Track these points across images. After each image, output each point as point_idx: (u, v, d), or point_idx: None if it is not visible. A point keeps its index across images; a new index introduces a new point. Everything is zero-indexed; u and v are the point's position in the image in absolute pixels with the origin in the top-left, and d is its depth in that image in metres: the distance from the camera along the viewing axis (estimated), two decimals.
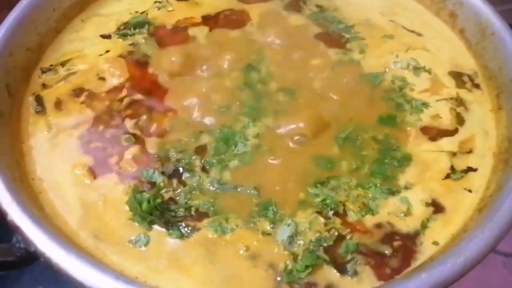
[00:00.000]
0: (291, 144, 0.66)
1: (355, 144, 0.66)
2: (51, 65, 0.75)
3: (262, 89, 0.72)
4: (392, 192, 0.62)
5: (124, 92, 0.71)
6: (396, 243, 0.59)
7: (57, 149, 0.66)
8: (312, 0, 0.85)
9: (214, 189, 0.62)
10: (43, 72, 0.74)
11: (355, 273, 0.56)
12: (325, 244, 0.58)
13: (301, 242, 0.58)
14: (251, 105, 0.70)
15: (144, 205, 0.59)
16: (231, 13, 0.83)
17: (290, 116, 0.68)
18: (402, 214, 0.61)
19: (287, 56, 0.76)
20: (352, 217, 0.60)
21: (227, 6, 0.84)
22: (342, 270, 0.56)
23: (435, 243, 0.59)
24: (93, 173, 0.63)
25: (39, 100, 0.71)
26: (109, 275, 0.50)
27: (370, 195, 0.62)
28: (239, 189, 0.62)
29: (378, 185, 0.63)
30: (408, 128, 0.69)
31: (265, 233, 0.59)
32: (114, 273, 0.50)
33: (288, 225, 0.59)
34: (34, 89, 0.72)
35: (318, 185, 0.62)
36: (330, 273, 0.56)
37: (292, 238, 0.58)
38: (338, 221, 0.60)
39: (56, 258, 0.51)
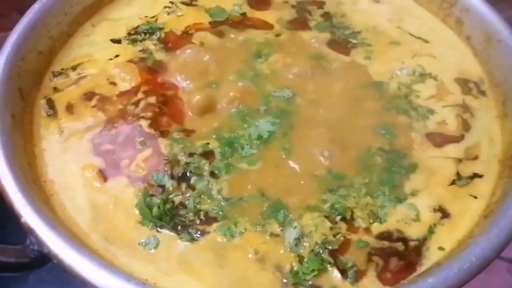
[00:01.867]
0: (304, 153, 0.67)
1: (365, 156, 0.67)
2: (62, 69, 0.76)
3: (268, 91, 0.73)
4: (400, 200, 0.63)
5: (139, 95, 0.72)
6: (402, 248, 0.59)
7: (68, 151, 0.67)
8: (318, 11, 0.86)
9: (222, 203, 0.62)
10: (55, 76, 0.75)
11: (359, 277, 0.57)
12: (330, 247, 0.58)
13: (307, 244, 0.59)
14: (258, 108, 0.71)
15: (155, 210, 0.60)
16: (239, 19, 0.84)
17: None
18: (411, 221, 0.61)
19: (294, 63, 0.77)
20: (359, 223, 0.61)
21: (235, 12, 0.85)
22: (346, 274, 0.57)
23: (441, 248, 0.59)
24: (103, 175, 0.64)
25: (50, 103, 0.72)
26: (121, 277, 0.50)
27: (378, 204, 0.62)
28: (246, 199, 0.62)
29: (386, 193, 0.63)
30: (414, 135, 0.70)
31: (273, 235, 0.59)
32: (125, 275, 0.51)
33: (295, 228, 0.59)
34: (45, 92, 0.73)
35: (327, 192, 0.63)
36: (334, 276, 0.57)
37: (298, 240, 0.59)
38: (344, 226, 0.60)
39: (69, 260, 0.51)
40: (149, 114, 0.70)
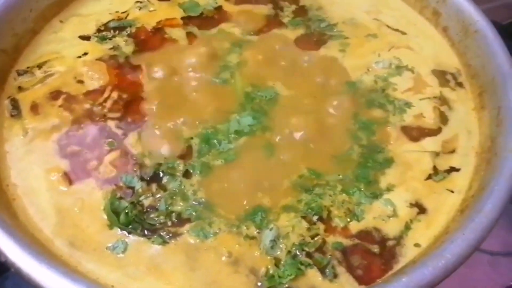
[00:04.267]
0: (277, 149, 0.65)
1: (341, 152, 0.65)
2: (27, 67, 0.73)
3: (242, 91, 0.71)
4: (376, 196, 0.62)
5: (105, 95, 0.70)
6: (378, 247, 0.58)
7: (32, 154, 0.64)
8: (290, 7, 0.84)
9: (196, 204, 0.60)
10: (19, 74, 0.72)
11: (335, 277, 0.55)
12: (307, 249, 0.57)
13: (283, 245, 0.57)
14: (233, 105, 0.69)
15: (122, 217, 0.58)
16: (213, 13, 0.82)
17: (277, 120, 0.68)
18: (388, 217, 0.60)
19: (267, 58, 0.75)
20: (337, 223, 0.59)
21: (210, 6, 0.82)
22: (323, 273, 0.55)
23: (417, 245, 0.58)
24: (69, 178, 0.62)
25: (14, 103, 0.69)
26: (83, 285, 0.48)
27: (354, 201, 0.61)
28: (221, 200, 0.60)
29: (362, 189, 0.62)
30: (389, 129, 0.68)
31: (248, 237, 0.58)
32: (87, 283, 0.49)
33: (271, 229, 0.58)
34: (9, 92, 0.70)
35: (304, 192, 0.61)
36: (312, 277, 0.55)
37: (274, 242, 0.57)
38: (322, 227, 0.59)
39: (26, 268, 0.49)
40: (117, 114, 0.67)
